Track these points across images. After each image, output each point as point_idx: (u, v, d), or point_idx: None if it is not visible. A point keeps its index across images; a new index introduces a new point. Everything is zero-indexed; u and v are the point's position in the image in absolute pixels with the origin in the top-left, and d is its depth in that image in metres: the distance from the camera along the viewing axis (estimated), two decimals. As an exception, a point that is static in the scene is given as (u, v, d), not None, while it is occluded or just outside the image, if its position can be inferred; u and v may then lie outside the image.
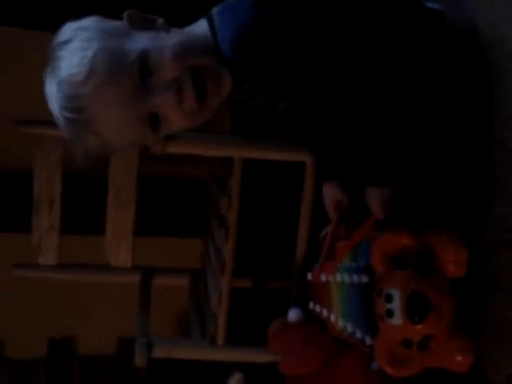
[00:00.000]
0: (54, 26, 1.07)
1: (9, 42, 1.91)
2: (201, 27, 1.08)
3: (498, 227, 1.07)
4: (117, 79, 0.99)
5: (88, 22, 1.05)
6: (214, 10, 1.08)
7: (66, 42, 1.03)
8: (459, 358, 1.07)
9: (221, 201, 1.50)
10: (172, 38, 1.03)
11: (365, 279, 1.14)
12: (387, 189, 1.15)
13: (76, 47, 1.01)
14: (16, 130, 1.64)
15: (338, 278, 1.21)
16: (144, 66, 1.00)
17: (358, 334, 1.18)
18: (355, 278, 1.16)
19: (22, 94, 1.76)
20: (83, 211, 1.95)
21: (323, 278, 1.26)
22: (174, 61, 1.00)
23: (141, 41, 1.02)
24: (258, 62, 1.02)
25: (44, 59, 1.06)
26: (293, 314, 1.38)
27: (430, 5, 1.20)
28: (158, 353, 1.53)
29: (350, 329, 1.20)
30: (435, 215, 1.18)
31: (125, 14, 1.06)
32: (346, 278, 1.19)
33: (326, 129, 1.24)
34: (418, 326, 1.06)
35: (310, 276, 1.32)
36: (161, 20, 1.07)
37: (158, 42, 1.02)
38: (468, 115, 1.15)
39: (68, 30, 1.05)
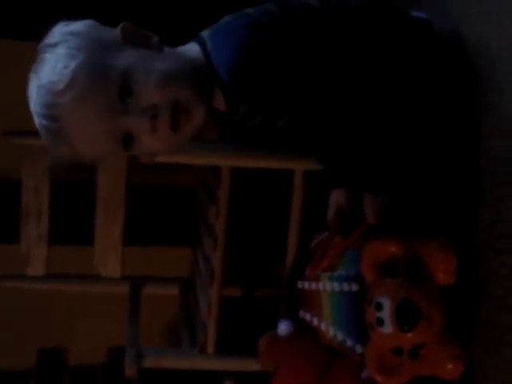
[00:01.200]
0: (35, 35, 1.06)
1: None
2: (193, 51, 1.07)
3: (486, 234, 1.07)
4: (95, 94, 0.98)
5: (81, 26, 1.04)
6: (205, 34, 1.08)
7: (54, 45, 1.02)
8: (450, 366, 1.07)
9: (209, 209, 1.50)
10: (161, 63, 1.02)
11: (355, 287, 1.14)
12: (383, 197, 1.15)
13: (61, 53, 1.00)
14: (3, 141, 1.63)
15: (328, 286, 1.21)
16: (125, 86, 0.99)
17: (349, 343, 1.17)
18: (345, 287, 1.16)
19: (9, 105, 1.75)
20: (71, 221, 1.94)
21: (313, 285, 1.26)
22: (157, 89, 1.00)
23: (128, 58, 1.01)
24: (256, 85, 1.02)
25: (29, 70, 1.05)
26: (283, 327, 1.37)
27: (416, 14, 1.20)
28: (148, 363, 1.53)
29: (340, 337, 1.20)
30: (424, 223, 1.19)
31: (119, 26, 1.05)
32: (336, 287, 1.18)
33: (324, 139, 1.25)
34: (409, 335, 1.06)
35: (300, 284, 1.32)
36: (155, 38, 1.06)
37: (146, 63, 1.01)
38: (455, 124, 1.16)
39: (58, 32, 1.04)
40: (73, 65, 0.99)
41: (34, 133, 1.06)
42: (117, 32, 1.05)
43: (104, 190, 1.71)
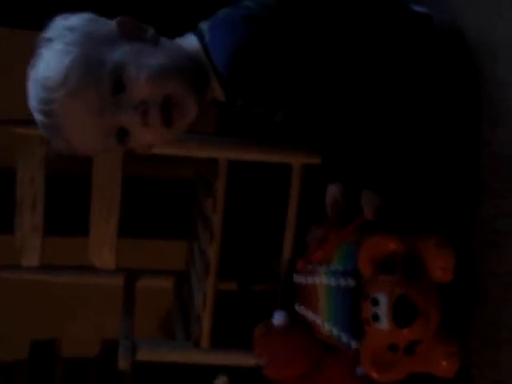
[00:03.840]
0: (36, 24, 1.06)
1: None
2: (191, 43, 1.07)
3: (484, 230, 1.07)
4: (87, 90, 0.99)
5: (78, 21, 1.04)
6: (204, 27, 1.07)
7: (50, 40, 1.02)
8: (445, 363, 1.07)
9: (206, 202, 1.50)
10: (155, 57, 1.02)
11: (352, 283, 1.14)
12: (381, 194, 1.15)
13: (57, 49, 1.01)
14: (-2, 130, 1.62)
15: (325, 280, 1.20)
16: (118, 81, 1.00)
17: (344, 338, 1.17)
18: (342, 282, 1.15)
19: (4, 93, 1.74)
20: (66, 212, 1.93)
21: (310, 280, 1.25)
22: (148, 84, 1.00)
23: (121, 53, 1.01)
24: (253, 78, 1.02)
25: (27, 58, 1.05)
26: (278, 317, 1.37)
27: (416, 8, 1.20)
28: (142, 355, 1.52)
29: (335, 332, 1.19)
30: (422, 219, 1.18)
31: (116, 20, 1.05)
32: (333, 282, 1.18)
33: (323, 134, 1.24)
34: (405, 331, 1.05)
35: (296, 278, 1.32)
36: (151, 31, 1.05)
37: (140, 57, 1.01)
38: (454, 117, 1.15)
39: (55, 27, 1.04)
40: (67, 61, 0.99)
41: (30, 122, 1.06)
42: (113, 25, 1.05)
43: (100, 181, 1.70)
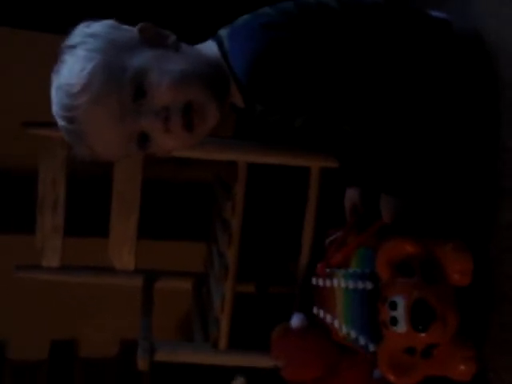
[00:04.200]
0: (59, 28, 1.07)
1: (12, 43, 1.91)
2: (211, 49, 1.08)
3: (502, 235, 1.06)
4: (109, 96, 1.00)
5: (100, 27, 1.06)
6: (223, 33, 1.08)
7: (73, 46, 1.04)
8: (462, 367, 1.06)
9: (225, 205, 1.51)
10: (177, 63, 1.03)
11: (369, 286, 1.14)
12: (400, 198, 1.15)
13: (80, 55, 1.02)
14: (21, 132, 1.64)
15: (343, 283, 1.20)
16: (139, 87, 1.00)
17: (362, 341, 1.17)
18: (360, 285, 1.16)
19: (28, 96, 1.76)
20: (87, 213, 1.95)
21: (328, 283, 1.25)
22: (170, 90, 1.01)
23: (143, 59, 1.02)
24: (272, 85, 1.02)
25: (49, 61, 1.06)
26: (296, 320, 1.38)
27: (435, 13, 1.20)
28: (161, 356, 1.53)
29: (353, 335, 1.20)
30: (441, 224, 1.18)
31: (138, 27, 1.06)
32: (351, 284, 1.18)
33: (342, 140, 1.24)
34: (422, 335, 1.05)
35: (314, 280, 1.32)
36: (173, 37, 1.06)
37: (162, 63, 1.02)
38: (473, 124, 1.15)
39: (78, 34, 1.05)
40: (89, 67, 1.00)
41: (52, 124, 1.07)
42: (135, 32, 1.06)
43: (120, 183, 1.72)
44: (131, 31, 1.06)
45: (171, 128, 1.02)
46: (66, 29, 1.06)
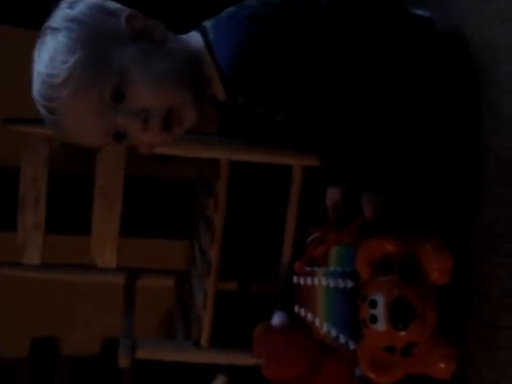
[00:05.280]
0: (39, 24, 1.06)
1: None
2: (195, 40, 1.07)
3: (482, 234, 1.07)
4: (89, 92, 1.00)
5: (85, 9, 1.03)
6: (208, 24, 1.08)
7: (56, 29, 1.02)
8: (442, 365, 1.07)
9: (207, 202, 1.50)
10: (160, 62, 1.02)
11: (350, 284, 1.14)
12: (382, 196, 1.15)
13: (62, 43, 1.01)
14: (2, 128, 1.63)
15: (324, 282, 1.20)
16: (120, 86, 1.00)
17: (342, 339, 1.17)
18: (340, 283, 1.16)
19: (8, 92, 1.75)
20: (69, 210, 1.94)
21: (309, 281, 1.25)
22: (152, 94, 1.01)
23: (126, 56, 1.01)
24: (257, 78, 1.02)
25: (30, 58, 1.05)
26: (277, 318, 1.38)
27: (418, 12, 1.20)
28: (142, 354, 1.53)
29: (334, 333, 1.20)
30: (421, 222, 1.18)
31: (125, 15, 1.04)
32: (332, 283, 1.18)
33: (323, 136, 1.25)
34: (402, 333, 1.05)
35: (295, 279, 1.32)
36: (160, 29, 1.05)
37: (145, 62, 1.02)
38: (455, 122, 1.15)
39: (62, 15, 1.03)
40: (71, 61, 0.99)
41: (34, 121, 1.07)
42: (121, 20, 1.04)
43: (102, 180, 1.71)
44: (117, 17, 1.04)
45: (149, 127, 1.02)
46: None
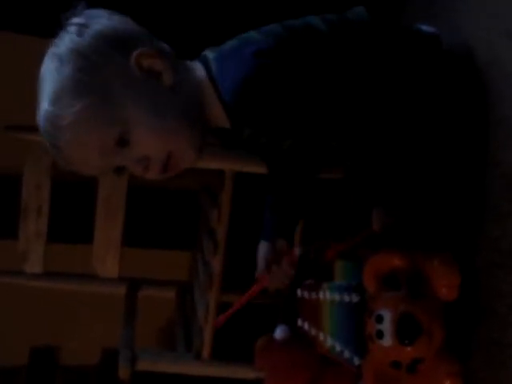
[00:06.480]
0: (45, 31, 1.05)
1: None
2: (198, 71, 1.07)
3: (488, 249, 1.06)
4: (93, 137, 1.01)
5: (93, 42, 1.01)
6: (210, 56, 1.07)
7: (62, 59, 1.00)
8: (447, 382, 1.05)
9: (211, 213, 1.50)
10: (167, 109, 1.02)
11: (355, 298, 1.14)
12: (391, 211, 1.15)
13: (68, 82, 0.99)
14: (5, 136, 1.62)
15: (329, 296, 1.20)
16: (124, 135, 1.01)
17: (347, 354, 1.17)
18: (346, 297, 1.15)
19: (12, 99, 1.75)
20: (71, 219, 1.93)
21: (313, 295, 1.25)
22: (156, 144, 1.03)
23: (132, 101, 1.01)
24: (261, 111, 1.02)
25: (34, 64, 1.04)
26: (279, 331, 1.37)
27: (424, 28, 1.20)
28: (142, 365, 1.53)
29: (338, 348, 1.19)
30: (428, 237, 1.18)
31: (134, 55, 1.02)
32: (337, 297, 1.18)
33: (331, 156, 1.24)
34: (408, 349, 1.05)
35: (299, 292, 1.31)
36: (168, 73, 1.03)
37: (151, 109, 1.02)
38: (463, 138, 1.15)
39: (69, 45, 1.01)
40: (77, 106, 0.98)
41: (37, 128, 1.06)
42: (130, 58, 1.02)
43: (105, 190, 1.71)
44: (127, 54, 1.02)
45: (149, 171, 1.06)
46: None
